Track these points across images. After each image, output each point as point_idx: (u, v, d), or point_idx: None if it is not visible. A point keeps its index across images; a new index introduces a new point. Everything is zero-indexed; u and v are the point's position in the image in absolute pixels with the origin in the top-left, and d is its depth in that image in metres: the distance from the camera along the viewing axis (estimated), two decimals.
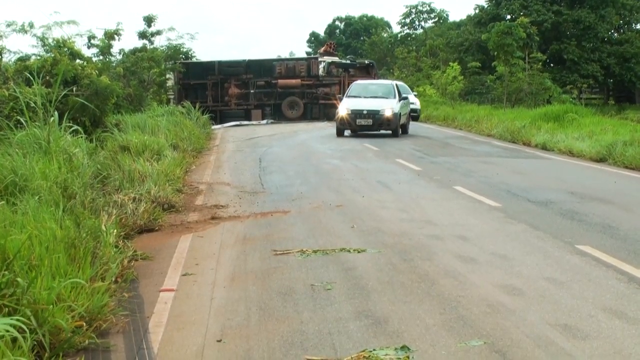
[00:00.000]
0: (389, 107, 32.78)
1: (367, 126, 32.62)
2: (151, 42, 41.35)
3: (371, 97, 33.75)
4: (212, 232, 13.09)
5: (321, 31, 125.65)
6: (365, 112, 32.55)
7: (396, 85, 35.91)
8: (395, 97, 33.71)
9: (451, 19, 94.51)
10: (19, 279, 7.13)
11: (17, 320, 6.45)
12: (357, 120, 32.51)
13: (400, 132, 34.05)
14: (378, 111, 32.54)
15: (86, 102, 19.55)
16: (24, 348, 6.30)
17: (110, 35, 34.78)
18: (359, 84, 36.30)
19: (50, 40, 24.70)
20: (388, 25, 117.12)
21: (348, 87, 37.11)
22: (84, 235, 9.78)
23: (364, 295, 8.80)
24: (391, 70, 78.00)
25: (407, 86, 48.89)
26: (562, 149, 26.91)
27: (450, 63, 58.27)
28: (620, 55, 64.36)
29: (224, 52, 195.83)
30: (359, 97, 33.84)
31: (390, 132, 33.43)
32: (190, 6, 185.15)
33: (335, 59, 50.22)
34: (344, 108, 32.90)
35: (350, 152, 26.08)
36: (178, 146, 24.21)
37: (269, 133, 36.65)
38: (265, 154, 26.32)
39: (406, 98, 36.48)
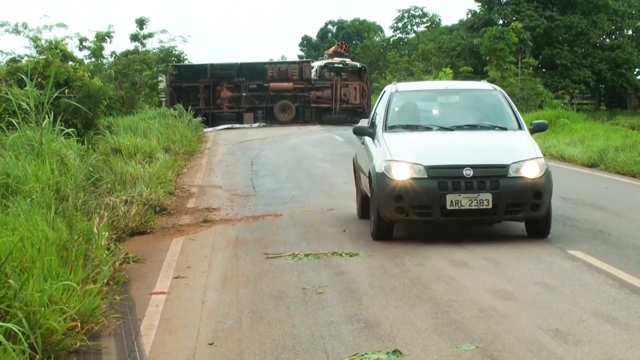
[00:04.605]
0: (531, 155, 12.20)
1: (478, 212, 11.67)
2: (143, 45, 41.35)
3: (459, 127, 13.11)
4: (204, 235, 13.10)
5: (313, 35, 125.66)
6: (469, 171, 11.71)
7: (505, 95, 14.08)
8: (523, 128, 13.17)
9: (443, 23, 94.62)
10: (10, 281, 7.12)
11: (9, 325, 6.45)
12: (451, 198, 11.58)
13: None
14: (505, 167, 11.86)
15: (78, 105, 19.53)
16: (16, 351, 6.29)
17: (102, 38, 34.82)
18: (408, 92, 14.15)
19: (42, 42, 24.70)
20: (380, 29, 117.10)
21: (379, 103, 14.15)
22: (75, 237, 9.79)
23: (355, 299, 8.81)
24: (383, 75, 78.01)
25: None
26: (553, 154, 26.93)
27: (443, 68, 58.35)
28: (612, 61, 64.51)
29: (213, 56, 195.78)
30: (427, 128, 13.18)
31: (523, 221, 12.39)
32: (177, 9, 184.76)
33: (347, 60, 49.82)
34: (401, 164, 11.93)
35: (343, 156, 26.03)
36: (170, 149, 24.23)
37: (260, 136, 36.63)
38: (257, 157, 26.32)
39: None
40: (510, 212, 11.80)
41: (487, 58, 46.60)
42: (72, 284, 7.91)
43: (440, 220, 11.73)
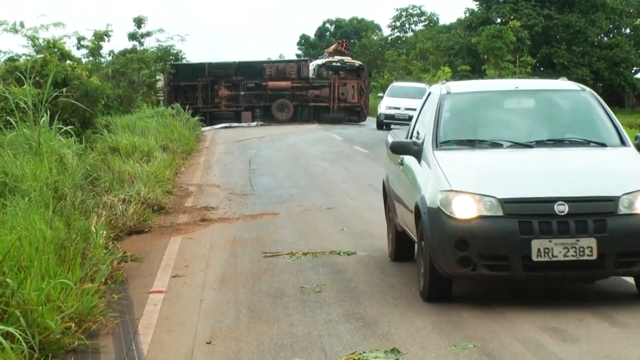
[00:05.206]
0: None
1: (577, 264, 8.03)
2: (141, 44, 41.31)
3: (540, 143, 9.29)
4: (202, 234, 13.10)
5: (312, 34, 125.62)
6: (563, 206, 8.09)
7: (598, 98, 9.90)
8: (627, 143, 9.25)
9: (441, 22, 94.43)
10: (8, 280, 7.11)
11: (7, 327, 6.45)
12: (539, 246, 7.98)
13: None
14: (614, 200, 8.18)
15: (76, 103, 19.51)
16: (14, 349, 6.28)
17: (100, 37, 34.78)
18: (464, 94, 10.20)
19: (40, 41, 24.69)
20: (378, 28, 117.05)
21: (423, 110, 10.37)
22: (73, 236, 9.78)
23: (353, 298, 8.81)
24: (381, 73, 77.99)
25: None
26: None
27: (441, 67, 58.34)
28: (610, 60, 64.55)
29: (211, 55, 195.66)
30: (496, 144, 9.30)
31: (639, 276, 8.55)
32: (176, 8, 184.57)
33: (348, 58, 49.63)
34: (464, 196, 8.27)
35: (340, 155, 26.06)
36: (168, 148, 24.18)
37: (258, 135, 36.57)
38: (255, 156, 26.29)
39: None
40: (623, 265, 8.22)
41: (485, 57, 46.63)
42: (68, 282, 7.90)
43: (523, 276, 8.17)
